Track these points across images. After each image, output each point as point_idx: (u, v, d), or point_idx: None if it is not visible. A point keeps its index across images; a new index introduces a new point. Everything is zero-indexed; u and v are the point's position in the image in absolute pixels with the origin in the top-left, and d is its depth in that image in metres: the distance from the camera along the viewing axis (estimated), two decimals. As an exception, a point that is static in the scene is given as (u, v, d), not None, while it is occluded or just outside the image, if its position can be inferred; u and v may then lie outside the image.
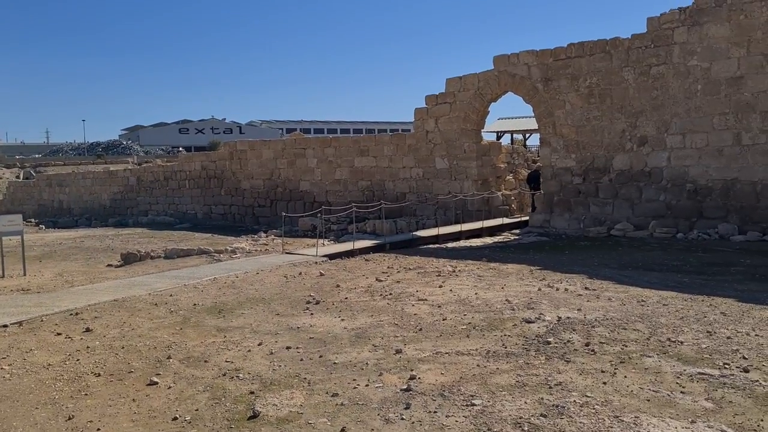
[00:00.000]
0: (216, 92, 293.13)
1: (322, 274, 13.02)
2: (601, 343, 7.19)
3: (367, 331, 8.17)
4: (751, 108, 17.42)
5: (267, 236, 22.23)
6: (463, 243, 19.10)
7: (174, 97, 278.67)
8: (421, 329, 8.19)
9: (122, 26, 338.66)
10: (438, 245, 18.63)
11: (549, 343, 7.24)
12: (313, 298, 10.42)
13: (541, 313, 8.67)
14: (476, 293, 10.44)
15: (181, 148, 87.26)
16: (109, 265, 16.07)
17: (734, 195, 17.85)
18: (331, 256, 15.77)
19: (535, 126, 50.47)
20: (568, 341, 7.28)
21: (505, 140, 44.00)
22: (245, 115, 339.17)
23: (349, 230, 21.49)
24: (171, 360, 7.13)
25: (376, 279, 12.20)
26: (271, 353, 7.31)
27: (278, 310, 9.68)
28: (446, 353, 7.02)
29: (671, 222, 18.73)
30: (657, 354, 6.75)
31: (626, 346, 7.03)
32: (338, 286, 11.64)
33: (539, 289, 10.70)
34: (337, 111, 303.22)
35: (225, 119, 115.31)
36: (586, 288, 10.77)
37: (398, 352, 7.15)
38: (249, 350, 7.45)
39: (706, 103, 18.13)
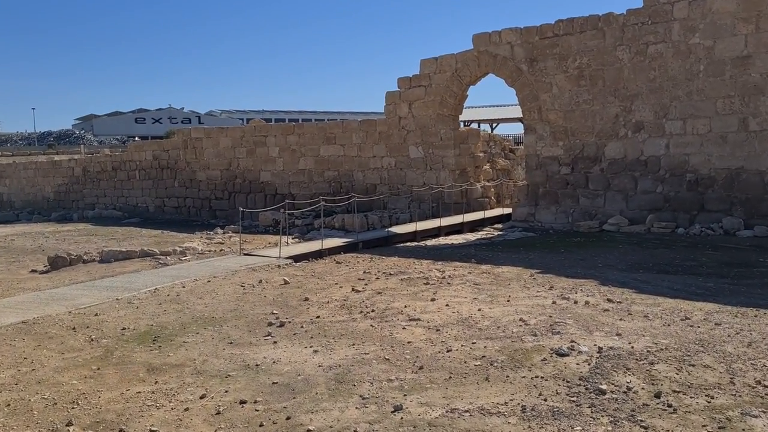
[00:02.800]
0: (174, 81, 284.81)
1: (286, 282, 10.91)
2: (675, 391, 5.27)
3: (350, 371, 6.11)
4: (760, 90, 15.82)
5: (224, 233, 19.97)
6: (443, 240, 17.16)
7: (130, 85, 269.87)
8: (421, 367, 6.17)
9: (75, 14, 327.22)
10: (416, 243, 16.65)
11: (603, 392, 5.29)
12: (277, 318, 8.32)
13: (572, 341, 6.73)
14: (479, 309, 8.47)
15: (137, 138, 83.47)
16: (32, 271, 13.62)
17: (739, 186, 16.28)
18: (297, 258, 13.65)
19: (504, 115, 48.87)
20: (629, 389, 5.35)
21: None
22: (204, 104, 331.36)
23: (316, 226, 19.38)
24: (71, 428, 4.97)
25: (353, 289, 10.13)
26: (218, 413, 5.20)
27: (232, 337, 7.55)
28: (465, 411, 5.01)
29: (669, 216, 17.08)
30: (761, 410, 4.86)
31: (712, 397, 5.13)
32: (307, 299, 9.55)
33: (553, 302, 8.79)
34: (300, 101, 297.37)
35: (183, 108, 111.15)
36: (608, 300, 8.90)
37: (398, 409, 5.12)
38: (187, 408, 5.32)
39: (709, 85, 16.48)
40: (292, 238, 17.32)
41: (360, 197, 18.86)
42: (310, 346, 7.02)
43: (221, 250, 15.46)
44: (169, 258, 13.95)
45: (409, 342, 7.02)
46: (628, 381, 5.52)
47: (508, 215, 20.41)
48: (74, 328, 8.08)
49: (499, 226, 19.60)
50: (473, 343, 6.89)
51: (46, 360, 6.81)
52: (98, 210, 32.16)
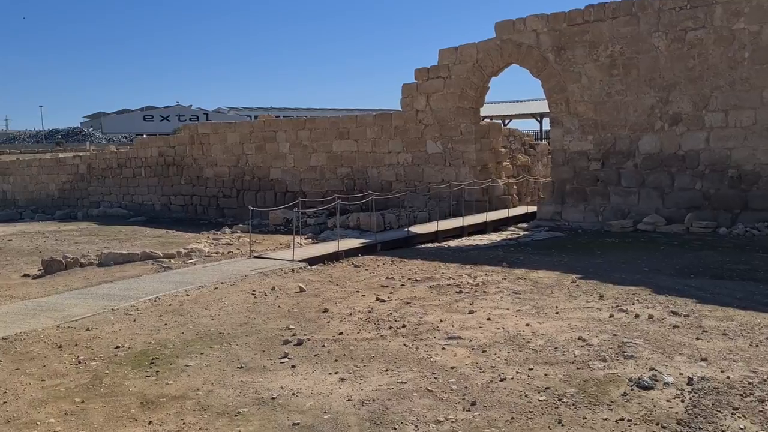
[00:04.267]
0: (182, 79, 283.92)
1: (302, 290, 9.81)
2: (810, 444, 4.14)
3: (386, 408, 5.00)
4: (811, 79, 14.60)
5: (232, 232, 18.89)
6: (466, 241, 16.02)
7: (138, 83, 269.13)
8: (473, 403, 5.04)
9: (83, 11, 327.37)
10: (438, 244, 15.51)
11: (716, 443, 4.16)
12: (294, 334, 7.21)
13: (653, 368, 5.59)
14: (527, 324, 7.33)
15: (145, 136, 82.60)
16: (25, 276, 12.55)
17: (788, 183, 15.06)
18: (312, 261, 12.55)
19: (517, 111, 47.78)
20: (749, 439, 4.21)
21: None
22: (212, 101, 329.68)
23: (329, 225, 18.29)
24: (38, 493, 3.89)
25: (377, 298, 9.02)
26: (226, 470, 4.10)
27: (242, 359, 6.45)
28: (544, 471, 3.89)
29: (709, 214, 15.87)
30: None
31: None
32: (326, 309, 8.44)
33: (611, 316, 7.64)
34: (310, 98, 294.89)
35: (191, 106, 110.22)
36: (672, 312, 7.75)
37: (455, 467, 4.00)
38: (186, 463, 4.23)
39: (755, 73, 15.25)
40: (305, 239, 16.23)
41: (375, 195, 17.76)
42: (335, 372, 5.91)
43: (229, 252, 14.37)
44: (173, 261, 12.88)
45: (452, 367, 5.90)
46: (742, 427, 4.39)
47: (532, 214, 19.26)
48: (60, 347, 7.01)
49: (524, 225, 18.44)
50: (530, 369, 5.76)
51: (22, 389, 5.73)
52: (103, 208, 31.18)
